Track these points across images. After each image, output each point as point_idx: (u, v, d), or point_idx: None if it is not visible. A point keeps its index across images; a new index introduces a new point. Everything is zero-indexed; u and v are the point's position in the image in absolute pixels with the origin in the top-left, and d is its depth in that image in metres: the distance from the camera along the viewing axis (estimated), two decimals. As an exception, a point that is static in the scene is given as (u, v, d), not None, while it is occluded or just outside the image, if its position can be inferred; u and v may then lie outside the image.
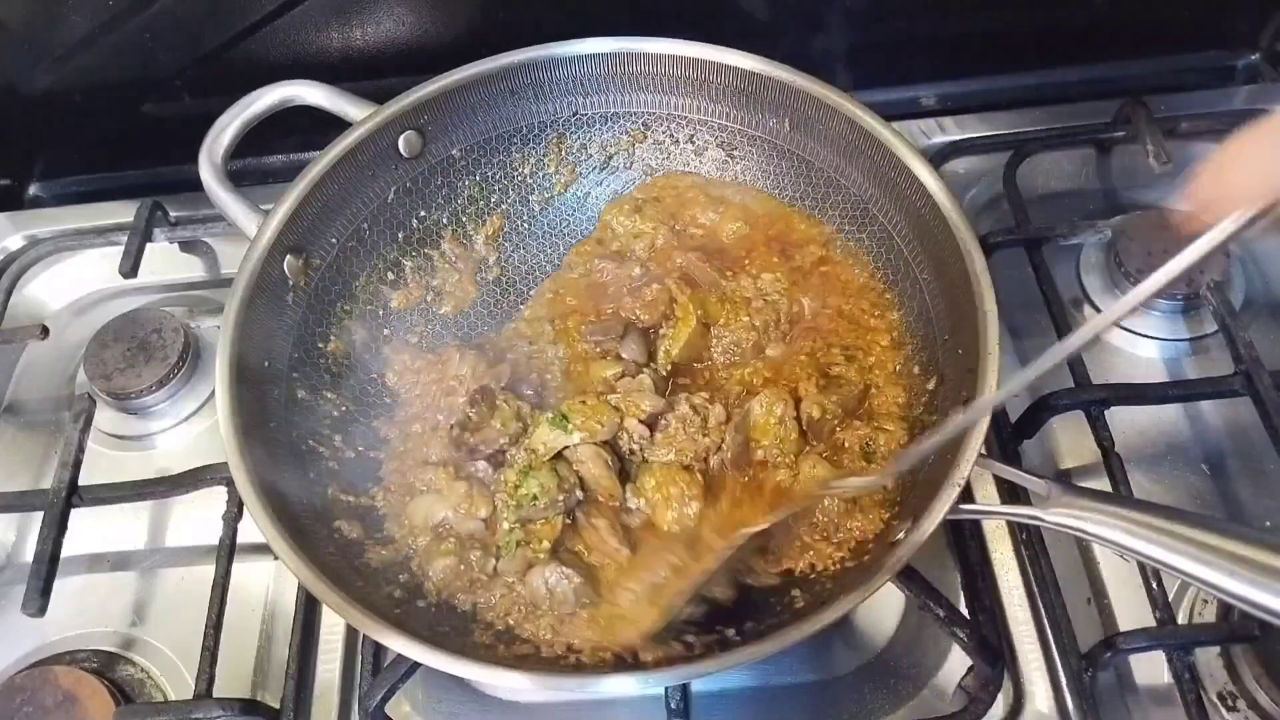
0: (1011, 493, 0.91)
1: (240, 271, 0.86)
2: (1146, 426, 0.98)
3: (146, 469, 1.01)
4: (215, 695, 0.83)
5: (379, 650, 0.87)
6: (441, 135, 1.00)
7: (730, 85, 0.99)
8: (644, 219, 1.03)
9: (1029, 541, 0.89)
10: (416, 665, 0.78)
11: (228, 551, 0.90)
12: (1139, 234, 1.05)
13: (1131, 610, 0.86)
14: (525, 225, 1.06)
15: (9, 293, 1.16)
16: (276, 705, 0.85)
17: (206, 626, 0.86)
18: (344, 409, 0.93)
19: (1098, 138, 1.16)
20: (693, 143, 1.05)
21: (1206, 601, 0.86)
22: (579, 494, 0.84)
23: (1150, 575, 0.84)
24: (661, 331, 0.96)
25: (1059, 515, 0.67)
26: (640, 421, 0.87)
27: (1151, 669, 0.84)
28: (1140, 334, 1.03)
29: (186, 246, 1.19)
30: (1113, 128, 1.15)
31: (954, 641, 0.81)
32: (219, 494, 0.93)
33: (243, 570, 0.90)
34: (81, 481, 0.94)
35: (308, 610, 0.90)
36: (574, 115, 1.04)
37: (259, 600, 0.93)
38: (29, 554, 0.90)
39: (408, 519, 0.86)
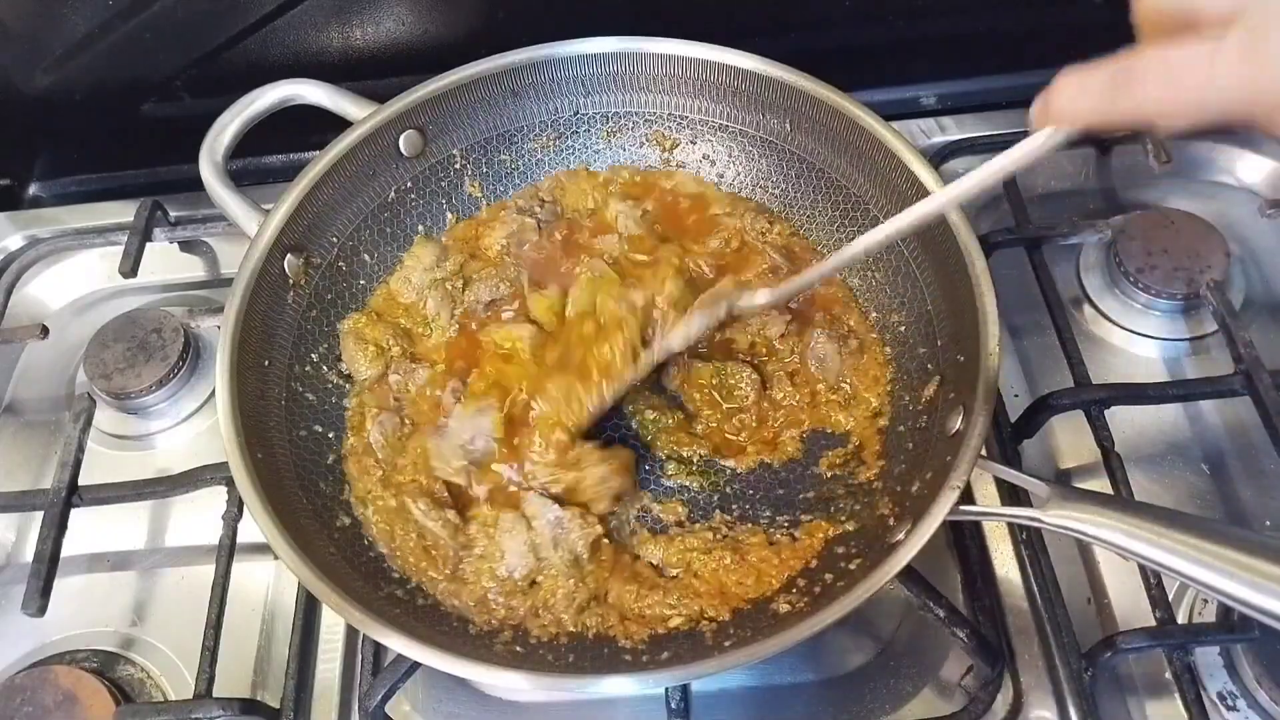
0: (1012, 494, 0.91)
1: (240, 271, 0.86)
2: (1146, 426, 0.98)
3: (146, 469, 1.01)
4: (215, 695, 0.83)
5: (379, 650, 0.87)
6: (442, 134, 1.00)
7: (730, 85, 0.99)
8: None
9: (1029, 542, 0.89)
10: (416, 665, 0.78)
11: (228, 551, 0.90)
12: (1139, 233, 1.05)
13: (1131, 610, 0.86)
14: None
15: (9, 293, 1.16)
16: (276, 705, 0.85)
17: (206, 626, 0.86)
18: (345, 407, 0.93)
19: (1097, 137, 1.16)
20: (693, 143, 1.05)
21: (1206, 601, 0.86)
22: None
23: (1150, 575, 0.84)
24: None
25: (1059, 517, 0.67)
26: None
27: (1151, 669, 0.84)
28: (1140, 334, 1.03)
29: (186, 246, 1.19)
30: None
31: (954, 641, 0.81)
32: (219, 494, 0.93)
33: (243, 570, 0.90)
34: (81, 481, 0.94)
35: (308, 610, 0.90)
36: (575, 115, 1.04)
37: (259, 600, 0.93)
38: (29, 554, 0.90)
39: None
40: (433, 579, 0.83)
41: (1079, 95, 0.55)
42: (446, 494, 0.87)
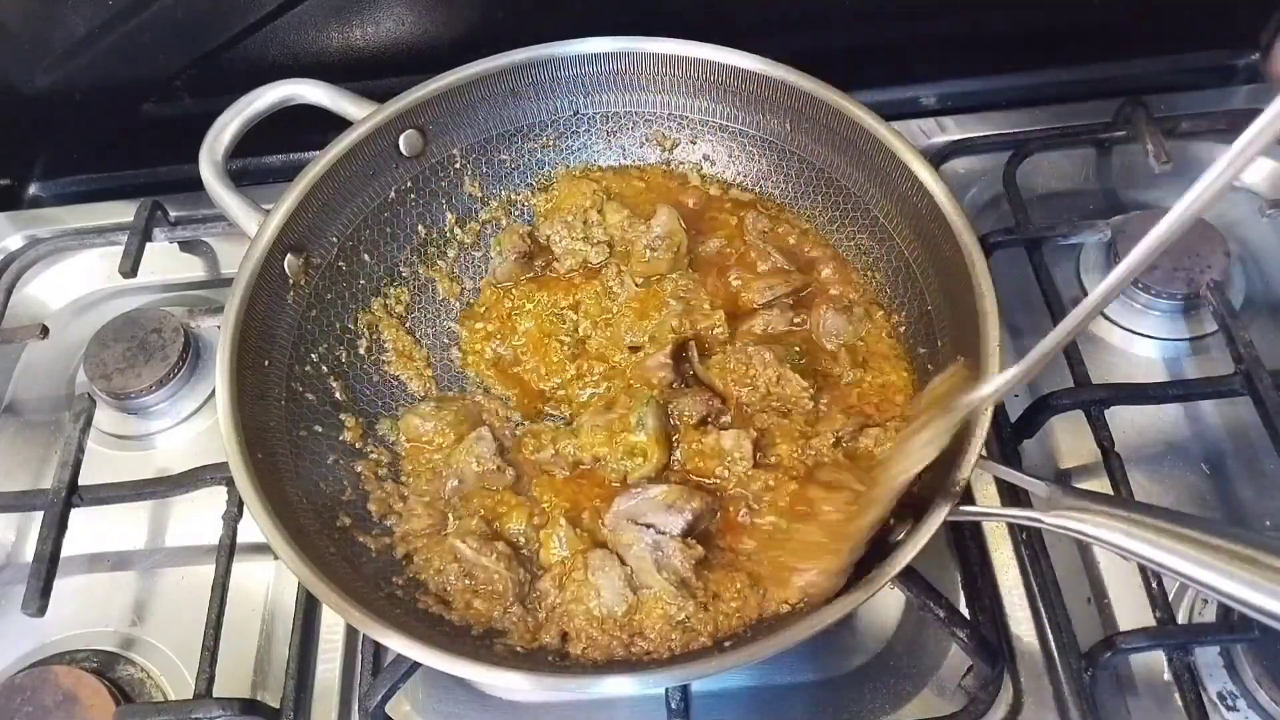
0: (1012, 494, 0.91)
1: (240, 271, 0.86)
2: (1146, 426, 0.98)
3: (146, 469, 1.01)
4: (215, 695, 0.83)
5: (379, 650, 0.87)
6: (442, 134, 1.00)
7: (730, 85, 0.99)
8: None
9: (1029, 542, 0.89)
10: (416, 665, 0.78)
11: (228, 551, 0.90)
12: (1139, 234, 1.03)
13: (1131, 610, 0.86)
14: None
15: (9, 293, 1.16)
16: (276, 705, 0.85)
17: (206, 626, 0.86)
18: (345, 407, 0.93)
19: (1098, 138, 1.16)
20: (693, 143, 1.05)
21: (1206, 601, 0.86)
22: None
23: (1150, 575, 0.84)
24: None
25: (1059, 517, 0.67)
26: None
27: (1151, 669, 0.84)
28: (1140, 334, 1.03)
29: (186, 246, 1.19)
30: (1113, 128, 1.15)
31: (954, 641, 0.81)
32: (219, 494, 0.93)
33: (243, 570, 0.91)
34: (81, 481, 0.94)
35: (308, 610, 0.90)
36: (574, 115, 1.04)
37: (259, 600, 0.93)
38: (29, 554, 0.91)
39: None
40: (497, 620, 0.80)
41: None
42: (489, 527, 0.84)
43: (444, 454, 0.90)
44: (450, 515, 0.87)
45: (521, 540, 0.84)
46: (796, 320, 0.96)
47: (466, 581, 0.81)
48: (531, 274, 1.02)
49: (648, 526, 0.81)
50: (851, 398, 0.90)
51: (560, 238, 1.02)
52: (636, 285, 0.98)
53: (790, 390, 0.89)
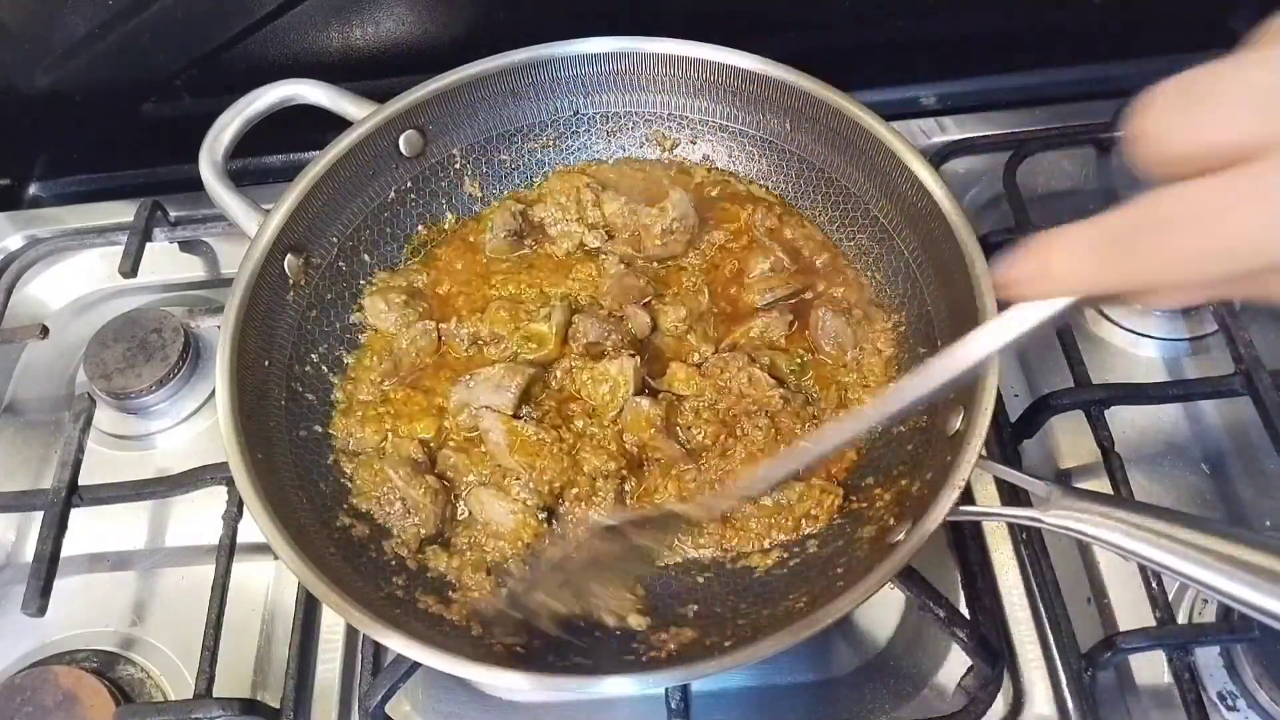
0: (1012, 493, 0.91)
1: (240, 271, 0.86)
2: (1146, 426, 0.98)
3: (146, 469, 1.01)
4: (215, 695, 0.83)
5: (379, 650, 0.87)
6: (442, 134, 1.00)
7: (730, 85, 0.99)
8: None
9: (1029, 542, 0.89)
10: (416, 665, 0.78)
11: (228, 551, 0.90)
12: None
13: (1131, 610, 0.86)
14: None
15: (9, 293, 1.16)
16: (276, 705, 0.85)
17: (206, 626, 0.86)
18: (345, 407, 0.93)
19: (1098, 138, 1.16)
20: (693, 143, 1.05)
21: (1206, 601, 0.86)
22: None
23: (1150, 575, 0.84)
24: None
25: (1059, 517, 0.67)
26: None
27: (1151, 669, 0.84)
28: (1140, 334, 1.03)
29: (186, 246, 1.19)
30: (1112, 128, 1.15)
31: (954, 641, 0.81)
32: (219, 494, 0.93)
33: (243, 570, 0.90)
34: (81, 481, 0.94)
35: (308, 610, 0.90)
36: (574, 115, 1.04)
37: (259, 600, 0.93)
38: (29, 554, 0.91)
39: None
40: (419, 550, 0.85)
41: (1080, 258, 0.45)
42: (425, 457, 0.88)
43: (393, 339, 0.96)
44: (390, 435, 0.90)
45: (450, 474, 0.89)
46: (797, 325, 0.96)
47: (399, 506, 0.85)
48: (522, 252, 1.02)
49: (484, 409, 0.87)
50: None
51: (554, 220, 1.02)
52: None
53: (759, 392, 0.89)
